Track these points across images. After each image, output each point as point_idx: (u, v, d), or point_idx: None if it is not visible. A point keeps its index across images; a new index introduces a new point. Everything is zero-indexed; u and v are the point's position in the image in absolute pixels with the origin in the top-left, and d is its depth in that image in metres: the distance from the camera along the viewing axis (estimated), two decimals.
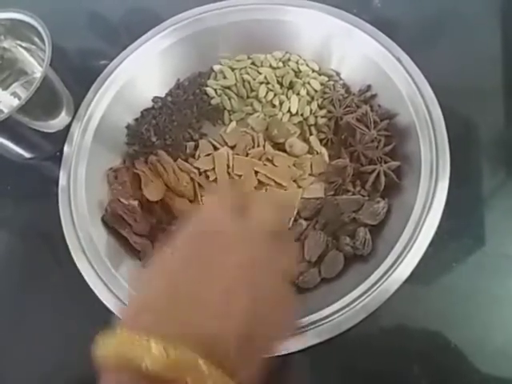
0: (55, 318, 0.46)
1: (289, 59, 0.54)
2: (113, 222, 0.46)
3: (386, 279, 0.38)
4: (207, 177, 0.49)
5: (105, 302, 0.41)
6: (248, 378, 0.23)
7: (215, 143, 0.51)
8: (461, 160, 0.43)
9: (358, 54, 0.50)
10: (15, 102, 0.54)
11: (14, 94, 0.55)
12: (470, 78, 0.51)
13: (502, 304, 0.42)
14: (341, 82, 0.53)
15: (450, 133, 0.43)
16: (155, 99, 0.54)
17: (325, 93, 0.52)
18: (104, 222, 0.46)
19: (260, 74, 0.54)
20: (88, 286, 0.42)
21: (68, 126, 0.50)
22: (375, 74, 0.49)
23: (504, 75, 0.52)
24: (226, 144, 0.51)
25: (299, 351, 0.36)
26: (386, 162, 0.46)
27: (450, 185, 0.41)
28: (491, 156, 0.48)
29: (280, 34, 0.53)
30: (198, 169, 0.50)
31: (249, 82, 0.54)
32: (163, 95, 0.55)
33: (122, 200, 0.46)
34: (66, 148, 0.48)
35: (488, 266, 0.43)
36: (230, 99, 0.54)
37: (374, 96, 0.50)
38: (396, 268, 0.39)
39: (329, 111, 0.51)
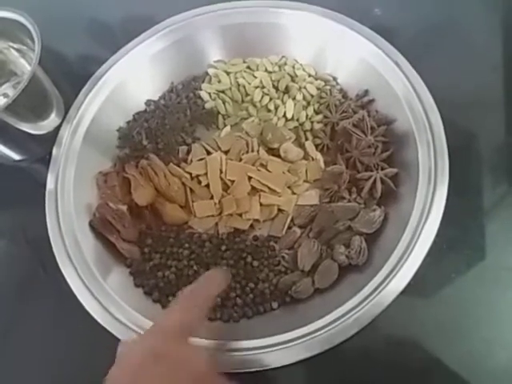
0: (41, 326, 0.45)
1: (285, 63, 0.53)
2: (100, 227, 0.45)
3: (382, 290, 0.37)
4: (199, 182, 0.48)
5: (89, 310, 0.40)
6: None
7: (208, 148, 0.50)
8: (460, 168, 0.42)
9: (356, 57, 0.49)
10: None
11: (5, 95, 0.54)
12: (470, 86, 0.50)
13: (503, 317, 0.40)
14: (338, 87, 0.52)
15: (448, 140, 0.42)
16: (148, 102, 0.53)
17: (321, 98, 0.51)
18: (91, 226, 0.45)
19: (255, 78, 0.53)
20: (73, 293, 0.41)
21: (58, 128, 0.49)
22: (373, 78, 0.48)
23: (504, 83, 0.51)
24: (220, 149, 0.49)
25: (288, 365, 0.35)
26: (382, 169, 0.44)
27: (448, 193, 0.40)
28: (492, 165, 0.47)
29: (276, 38, 0.52)
30: (190, 173, 0.48)
31: (244, 86, 0.53)
32: (156, 99, 0.54)
33: (110, 204, 0.45)
34: (54, 150, 0.48)
35: (488, 278, 0.42)
36: (224, 103, 0.53)
37: (371, 101, 0.49)
38: (392, 279, 0.38)
39: (325, 116, 0.50)
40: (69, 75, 0.53)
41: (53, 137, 0.48)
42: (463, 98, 0.49)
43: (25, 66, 0.53)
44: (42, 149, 0.50)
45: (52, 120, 0.50)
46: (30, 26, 0.46)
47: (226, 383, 0.29)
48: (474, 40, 0.54)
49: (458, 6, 0.56)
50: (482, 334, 0.40)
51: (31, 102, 0.46)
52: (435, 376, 0.38)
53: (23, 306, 0.46)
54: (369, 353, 0.39)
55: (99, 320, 0.39)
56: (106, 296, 0.41)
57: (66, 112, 0.49)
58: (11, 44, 0.52)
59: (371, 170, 0.45)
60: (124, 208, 0.45)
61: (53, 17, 0.57)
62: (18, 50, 0.53)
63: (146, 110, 0.53)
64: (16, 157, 0.51)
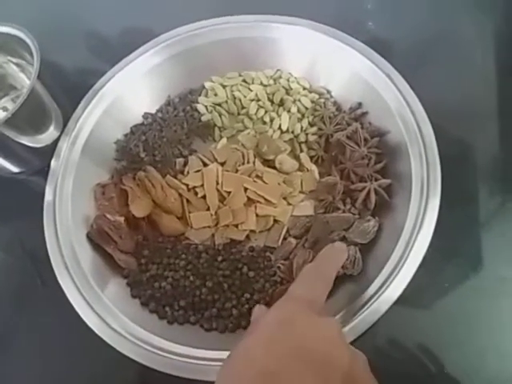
0: (38, 336, 0.45)
1: (280, 77, 0.54)
2: (98, 239, 0.45)
3: (376, 300, 0.37)
4: (196, 193, 0.49)
5: (86, 321, 0.40)
6: None
7: (205, 159, 0.50)
8: (453, 178, 0.42)
9: (349, 71, 0.50)
10: None
11: (4, 109, 0.55)
12: (462, 98, 0.51)
13: (497, 328, 0.41)
14: (332, 99, 0.53)
15: (441, 152, 0.42)
16: (145, 115, 0.54)
17: (315, 110, 0.52)
18: (89, 238, 0.45)
19: (251, 91, 0.53)
20: (71, 304, 0.41)
21: (57, 141, 0.49)
22: (366, 91, 0.48)
23: (495, 94, 0.51)
24: (216, 160, 0.50)
25: None
26: (376, 180, 0.45)
27: (441, 204, 0.40)
28: (485, 176, 0.47)
29: (271, 52, 0.53)
30: (187, 185, 0.49)
31: (240, 99, 0.53)
32: (154, 112, 0.54)
33: (107, 216, 0.45)
34: (53, 162, 0.48)
35: (482, 288, 0.42)
36: (220, 116, 0.53)
37: (364, 114, 0.49)
38: (386, 289, 0.38)
39: (319, 128, 0.50)
40: (67, 88, 0.54)
41: (51, 149, 0.49)
42: (455, 110, 0.50)
43: (24, 80, 0.54)
44: (41, 161, 0.51)
45: (50, 133, 0.51)
46: (29, 41, 0.47)
47: (358, 352, 0.30)
48: (465, 52, 0.55)
49: (450, 19, 0.57)
50: (477, 343, 0.40)
51: (30, 116, 0.46)
52: None
53: (21, 317, 0.46)
54: None
55: (96, 330, 0.39)
56: (103, 306, 0.41)
57: (65, 125, 0.50)
58: (10, 58, 0.53)
59: (365, 181, 0.45)
60: (121, 219, 0.45)
61: (51, 30, 0.59)
62: (17, 65, 0.54)
63: (143, 123, 0.54)
64: (14, 169, 0.52)
